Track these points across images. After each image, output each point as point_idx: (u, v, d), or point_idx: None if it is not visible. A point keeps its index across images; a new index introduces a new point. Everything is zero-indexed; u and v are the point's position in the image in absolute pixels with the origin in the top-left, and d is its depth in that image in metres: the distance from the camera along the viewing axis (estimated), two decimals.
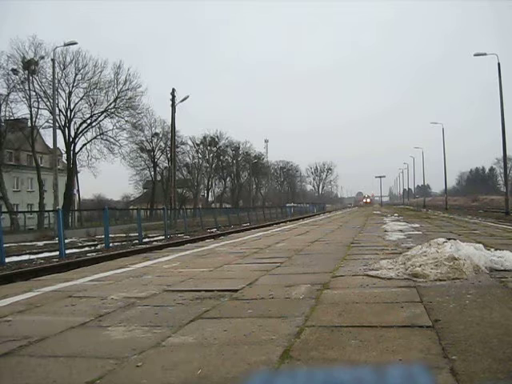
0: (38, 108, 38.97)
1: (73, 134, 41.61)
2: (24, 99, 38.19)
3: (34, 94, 38.45)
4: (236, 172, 78.31)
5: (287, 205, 63.70)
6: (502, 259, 4.60)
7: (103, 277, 5.15)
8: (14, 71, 37.35)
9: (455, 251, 4.40)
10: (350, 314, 2.99)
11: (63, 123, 40.79)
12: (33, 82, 38.27)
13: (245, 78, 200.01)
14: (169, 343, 2.50)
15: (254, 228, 21.35)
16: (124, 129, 43.92)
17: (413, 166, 77.52)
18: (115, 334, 2.71)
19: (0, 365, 2.26)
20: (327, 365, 2.09)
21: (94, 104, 42.01)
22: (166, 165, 57.29)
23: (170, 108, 35.21)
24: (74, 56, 40.11)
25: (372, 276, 4.35)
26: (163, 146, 56.37)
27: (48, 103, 38.15)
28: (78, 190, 46.25)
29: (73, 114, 41.48)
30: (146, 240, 19.57)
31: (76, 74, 40.78)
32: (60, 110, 39.55)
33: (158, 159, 58.67)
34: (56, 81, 32.99)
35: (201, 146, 69.54)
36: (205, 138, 69.25)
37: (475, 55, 28.33)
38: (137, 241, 18.83)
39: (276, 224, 23.16)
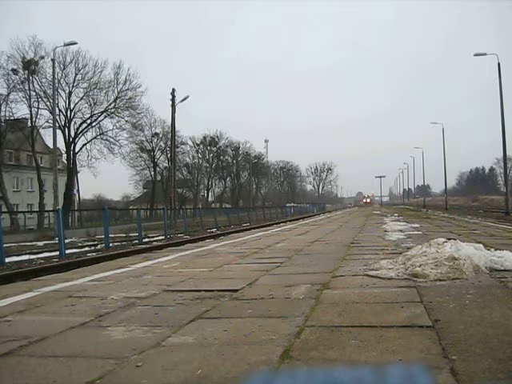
0: (38, 108, 39.07)
1: (73, 133, 41.69)
2: (24, 99, 38.29)
3: (34, 94, 38.52)
4: (236, 172, 78.32)
5: (287, 205, 63.70)
6: (502, 259, 4.60)
7: (103, 277, 5.15)
8: (14, 71, 37.36)
9: (455, 251, 4.40)
10: (350, 313, 2.99)
11: (63, 123, 40.82)
12: (33, 81, 38.32)
13: (245, 78, 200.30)
14: (169, 343, 2.50)
15: (253, 228, 21.35)
16: (124, 129, 44.00)
17: (413, 166, 77.65)
18: (115, 333, 2.71)
19: (0, 365, 2.26)
20: (327, 365, 2.09)
21: (94, 104, 42.08)
22: (166, 165, 57.33)
23: (170, 108, 35.26)
24: (74, 56, 40.20)
25: (372, 276, 4.35)
26: (163, 146, 56.46)
27: (48, 103, 38.21)
28: (78, 190, 46.30)
29: (73, 114, 41.54)
30: (146, 240, 19.57)
31: (76, 74, 40.86)
32: (60, 110, 39.61)
33: (158, 159, 58.78)
34: (56, 81, 33.01)
35: (201, 146, 69.62)
36: (205, 138, 69.34)
37: (475, 55, 28.34)
38: (137, 241, 18.83)
39: (276, 224, 23.16)
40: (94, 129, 42.67)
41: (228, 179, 78.44)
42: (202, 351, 2.33)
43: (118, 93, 42.30)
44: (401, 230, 11.25)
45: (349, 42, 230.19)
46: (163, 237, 20.73)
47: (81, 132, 42.05)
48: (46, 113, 39.76)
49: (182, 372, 2.06)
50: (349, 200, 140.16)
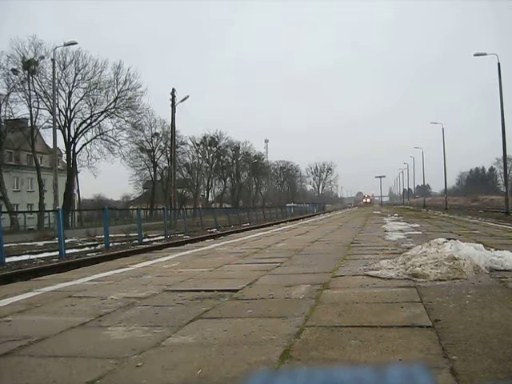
0: (38, 108, 39.07)
1: (73, 134, 41.69)
2: (24, 99, 38.30)
3: (34, 94, 38.53)
4: (236, 172, 78.33)
5: (287, 205, 63.73)
6: (502, 259, 4.60)
7: (103, 277, 5.15)
8: (14, 71, 37.36)
9: (455, 251, 4.39)
10: (350, 313, 2.99)
11: (63, 123, 40.82)
12: (33, 81, 38.34)
13: (245, 78, 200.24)
14: (169, 343, 2.50)
15: (253, 228, 21.35)
16: (124, 129, 44.01)
17: (413, 166, 77.66)
18: (115, 334, 2.71)
19: (0, 365, 2.26)
20: (327, 365, 2.09)
21: (94, 104, 42.09)
22: (165, 165, 57.34)
23: (170, 108, 35.25)
24: (74, 56, 40.21)
25: (372, 276, 4.35)
26: (163, 146, 56.47)
27: (48, 103, 38.21)
28: (78, 190, 46.30)
29: (73, 114, 41.54)
30: (146, 240, 19.57)
31: (76, 74, 40.87)
32: (60, 110, 39.61)
33: (158, 159, 58.80)
34: (56, 81, 33.02)
35: (201, 146, 69.62)
36: (205, 138, 69.34)
37: (475, 55, 28.35)
38: (137, 241, 18.84)
39: (276, 224, 23.16)
40: (93, 129, 42.76)
41: (228, 179, 78.48)
42: (201, 351, 2.33)
43: (118, 93, 42.37)
44: (401, 230, 11.25)
45: (349, 41, 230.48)
46: (163, 237, 20.73)
47: (81, 132, 42.10)
48: (46, 113, 39.85)
49: (182, 372, 2.06)
50: (349, 200, 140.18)
